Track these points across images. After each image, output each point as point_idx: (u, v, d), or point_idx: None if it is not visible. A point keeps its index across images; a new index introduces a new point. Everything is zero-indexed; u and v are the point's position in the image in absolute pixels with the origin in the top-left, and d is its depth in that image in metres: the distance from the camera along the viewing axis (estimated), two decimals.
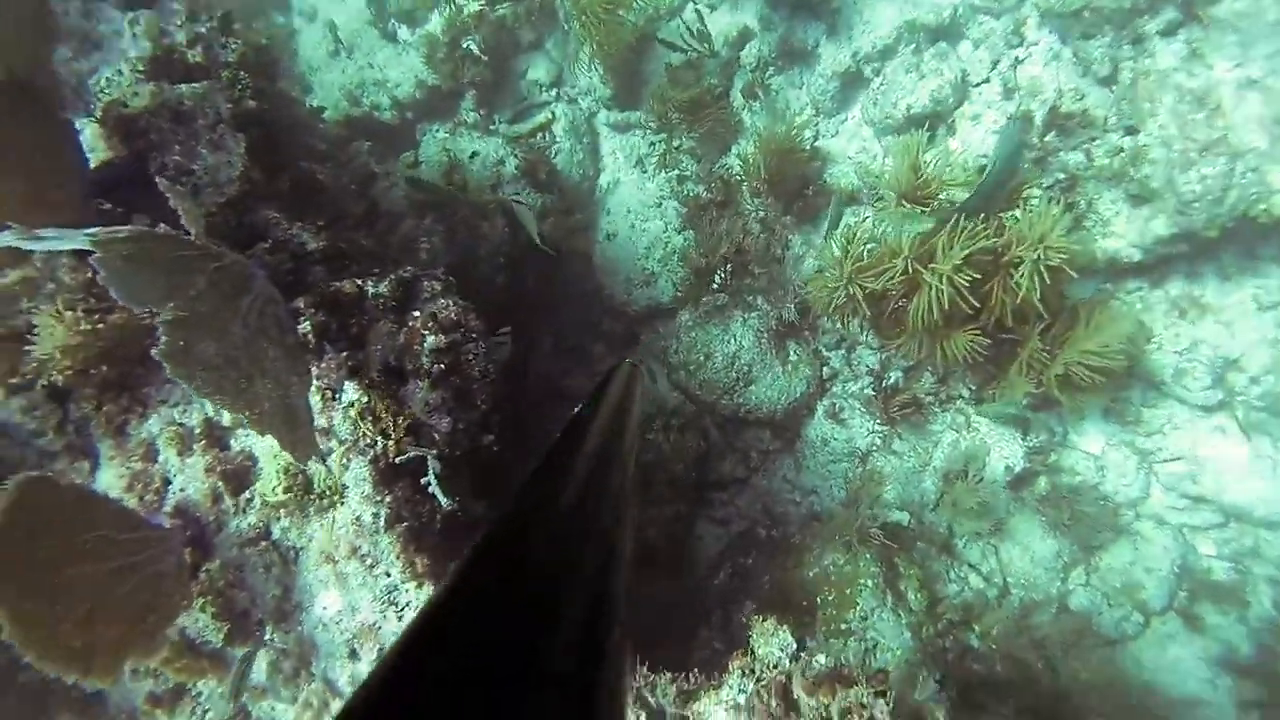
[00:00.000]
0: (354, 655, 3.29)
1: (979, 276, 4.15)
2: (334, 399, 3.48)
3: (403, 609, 3.23)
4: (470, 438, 3.73)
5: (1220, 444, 4.81)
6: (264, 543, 3.48)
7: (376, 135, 6.87)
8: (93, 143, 3.77)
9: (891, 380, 5.33)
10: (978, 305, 4.28)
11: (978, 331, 4.42)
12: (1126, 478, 4.92)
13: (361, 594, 3.29)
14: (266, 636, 3.44)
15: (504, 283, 6.24)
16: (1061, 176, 4.87)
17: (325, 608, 3.37)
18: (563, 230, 6.44)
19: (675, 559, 6.29)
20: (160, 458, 3.60)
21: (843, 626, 4.72)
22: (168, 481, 3.57)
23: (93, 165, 3.75)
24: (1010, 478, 4.98)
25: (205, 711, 3.47)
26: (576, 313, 7.01)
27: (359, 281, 3.79)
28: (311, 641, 3.40)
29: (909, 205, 4.42)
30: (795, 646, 3.45)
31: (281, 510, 3.39)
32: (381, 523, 3.28)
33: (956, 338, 4.49)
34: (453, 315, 3.76)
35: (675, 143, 6.26)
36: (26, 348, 3.36)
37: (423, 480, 3.42)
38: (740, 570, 5.59)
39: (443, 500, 3.34)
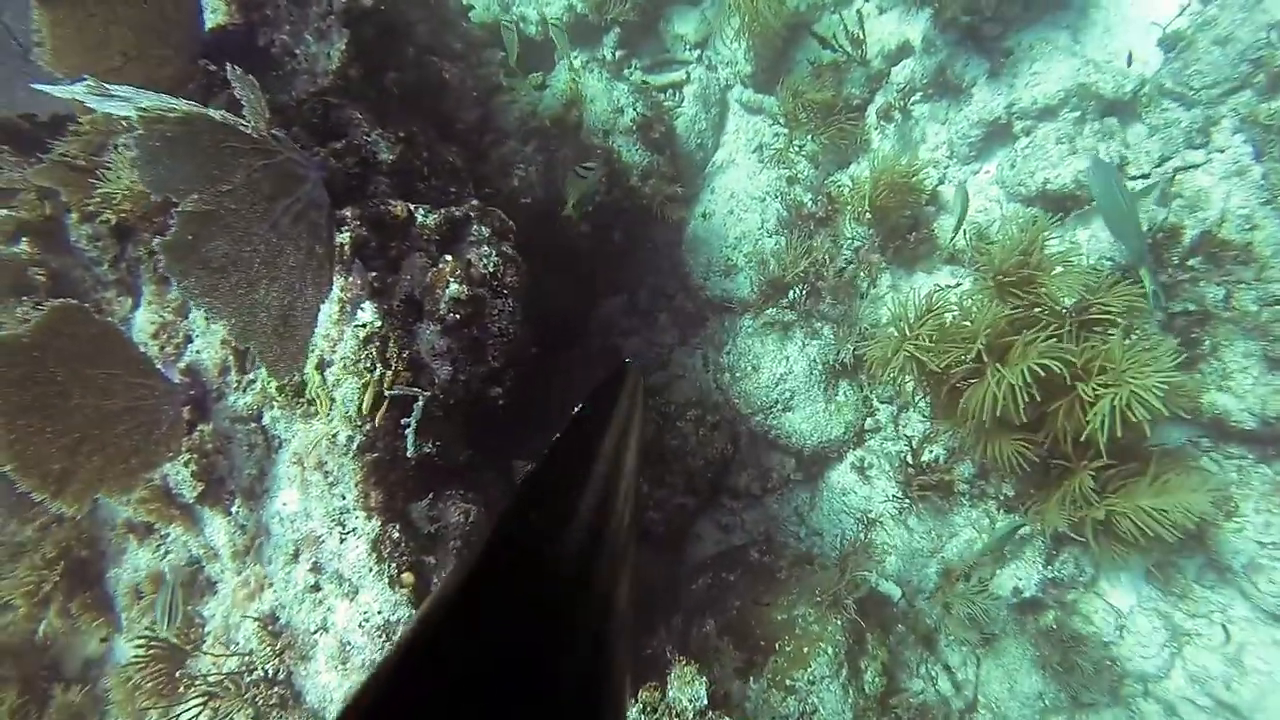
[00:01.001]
0: (295, 557, 3.39)
1: (1040, 398, 3.73)
2: (350, 315, 3.51)
3: (348, 533, 3.28)
4: (471, 390, 3.70)
5: (1277, 660, 4.24)
6: (254, 424, 3.59)
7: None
8: (214, 4, 3.84)
9: (930, 455, 4.96)
10: (1036, 419, 3.87)
11: (1028, 445, 4.01)
12: (1148, 649, 4.44)
13: (316, 505, 3.36)
14: (233, 508, 3.59)
15: (588, 231, 6.12)
16: (1191, 308, 4.29)
17: (285, 504, 3.47)
18: (661, 195, 6.22)
19: (669, 547, 6.23)
20: (190, 316, 3.75)
21: (788, 682, 4.55)
22: (189, 339, 3.72)
23: (208, 26, 3.82)
24: (1016, 599, 4.60)
25: (167, 553, 3.68)
26: (654, 279, 6.86)
27: (411, 206, 3.76)
28: (266, 528, 3.53)
29: (1000, 287, 3.99)
30: (705, 703, 3.33)
31: (275, 401, 3.48)
32: (353, 447, 3.32)
33: (1005, 442, 4.10)
34: (486, 269, 3.69)
35: (797, 142, 5.89)
36: (94, 182, 3.51)
37: (404, 420, 3.43)
38: (720, 584, 5.46)
39: (409, 447, 3.33)
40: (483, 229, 3.93)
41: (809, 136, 5.78)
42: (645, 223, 6.48)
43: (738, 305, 5.93)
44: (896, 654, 4.79)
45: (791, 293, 5.51)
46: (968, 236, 4.94)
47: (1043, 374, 3.67)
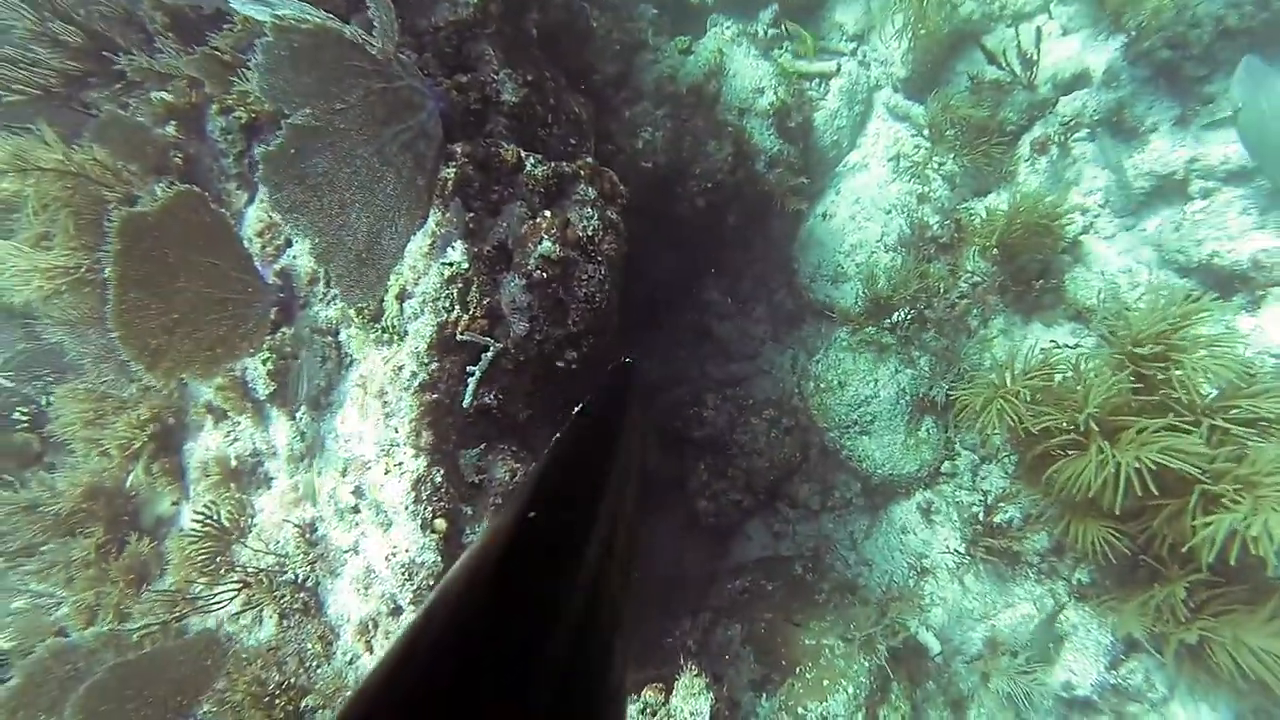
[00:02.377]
0: (343, 475, 3.37)
1: (1143, 490, 3.25)
2: (439, 251, 3.40)
3: (394, 466, 3.23)
4: (545, 351, 3.55)
5: None
6: (330, 338, 3.58)
7: (668, 6, 6.44)
8: None
9: (1004, 516, 4.51)
10: (1136, 509, 3.40)
11: (1118, 534, 3.54)
12: None
13: (370, 431, 3.32)
14: (298, 414, 3.61)
15: (703, 207, 5.84)
16: None
17: (343, 422, 3.45)
18: (786, 186, 5.85)
19: (715, 539, 6.02)
20: None
21: (800, 710, 4.29)
22: (289, 244, 3.72)
23: None
24: (1066, 695, 4.14)
25: (235, 439, 3.75)
26: (760, 269, 6.53)
27: (523, 153, 3.60)
28: (322, 442, 3.53)
29: (1131, 359, 3.48)
30: (708, 718, 3.14)
31: (353, 322, 3.44)
32: (415, 383, 3.24)
33: (1093, 525, 3.63)
34: (584, 231, 3.50)
35: (938, 158, 5.38)
36: (234, 79, 3.52)
37: (470, 367, 3.32)
38: (757, 591, 5.21)
39: (467, 396, 3.22)
40: (589, 189, 3.74)
41: (951, 155, 5.26)
42: (762, 211, 6.14)
43: (838, 315, 5.54)
44: (920, 711, 4.44)
45: (896, 315, 5.08)
46: (1101, 296, 4.38)
47: (1156, 468, 3.19)
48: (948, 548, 4.72)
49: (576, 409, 1.11)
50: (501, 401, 3.50)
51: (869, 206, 5.81)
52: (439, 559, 3.07)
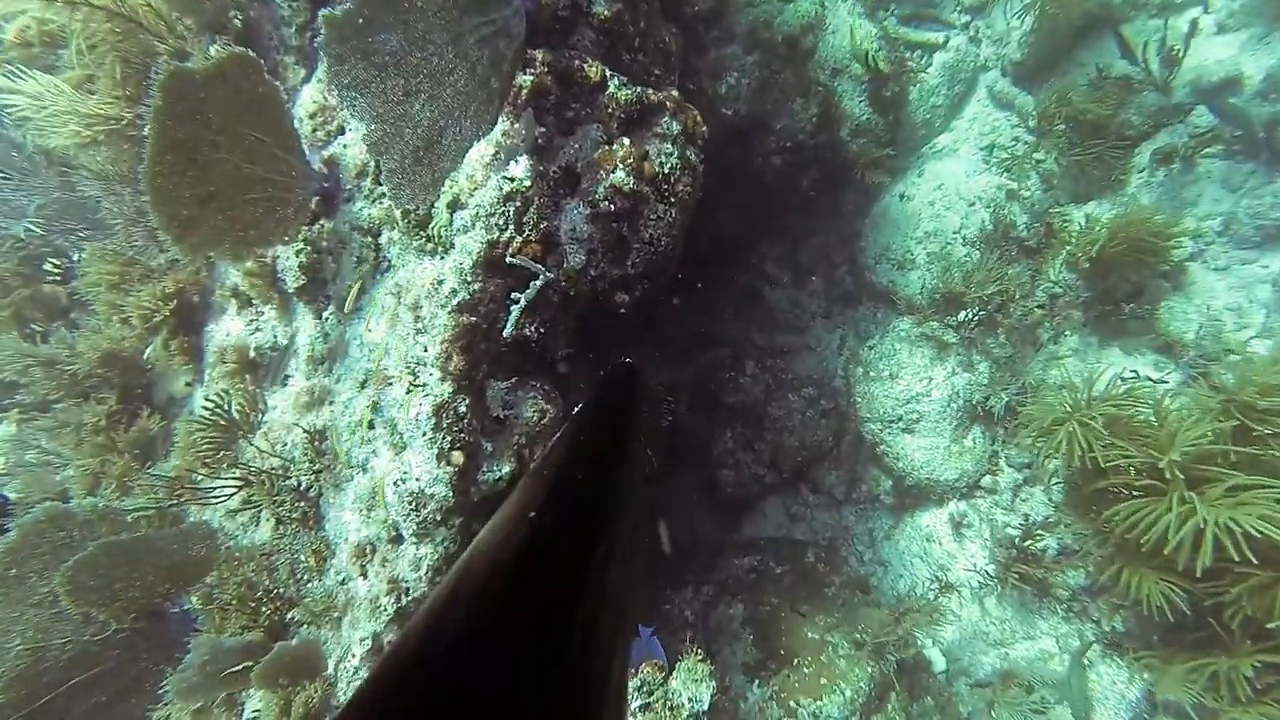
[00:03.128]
0: (362, 386, 3.10)
1: (1241, 561, 2.89)
2: (501, 163, 3.05)
3: (418, 386, 2.94)
4: (597, 289, 3.21)
5: None
6: (370, 239, 3.27)
7: None
8: None
9: (1041, 545, 4.17)
10: (1212, 573, 3.05)
11: (1180, 589, 3.20)
12: None
13: (397, 345, 3.03)
14: (325, 313, 3.33)
15: (778, 166, 5.41)
16: None
17: (369, 330, 3.16)
18: (868, 157, 5.39)
19: (730, 510, 5.76)
20: None
21: (792, 703, 4.06)
22: (342, 131, 3.39)
23: None
24: None
25: (257, 330, 3.49)
26: (824, 240, 6.10)
27: (608, 72, 3.21)
28: (345, 347, 3.25)
29: (1240, 413, 3.08)
30: (705, 709, 2.89)
31: (397, 224, 3.12)
32: (454, 301, 2.92)
33: (1150, 579, 3.29)
34: (660, 168, 3.13)
35: (1038, 155, 4.88)
36: None
37: (514, 295, 3.00)
38: (765, 572, 4.96)
39: (509, 325, 2.91)
40: (673, 124, 3.34)
41: (1055, 153, 4.77)
42: (838, 181, 5.69)
43: (901, 302, 5.14)
44: None
45: (964, 313, 4.67)
46: (1200, 332, 3.94)
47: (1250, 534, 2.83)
48: (974, 566, 4.41)
49: (577, 408, 1.13)
50: (542, 335, 3.18)
51: (952, 194, 5.33)
52: (450, 494, 2.81)
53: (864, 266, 5.63)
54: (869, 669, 4.03)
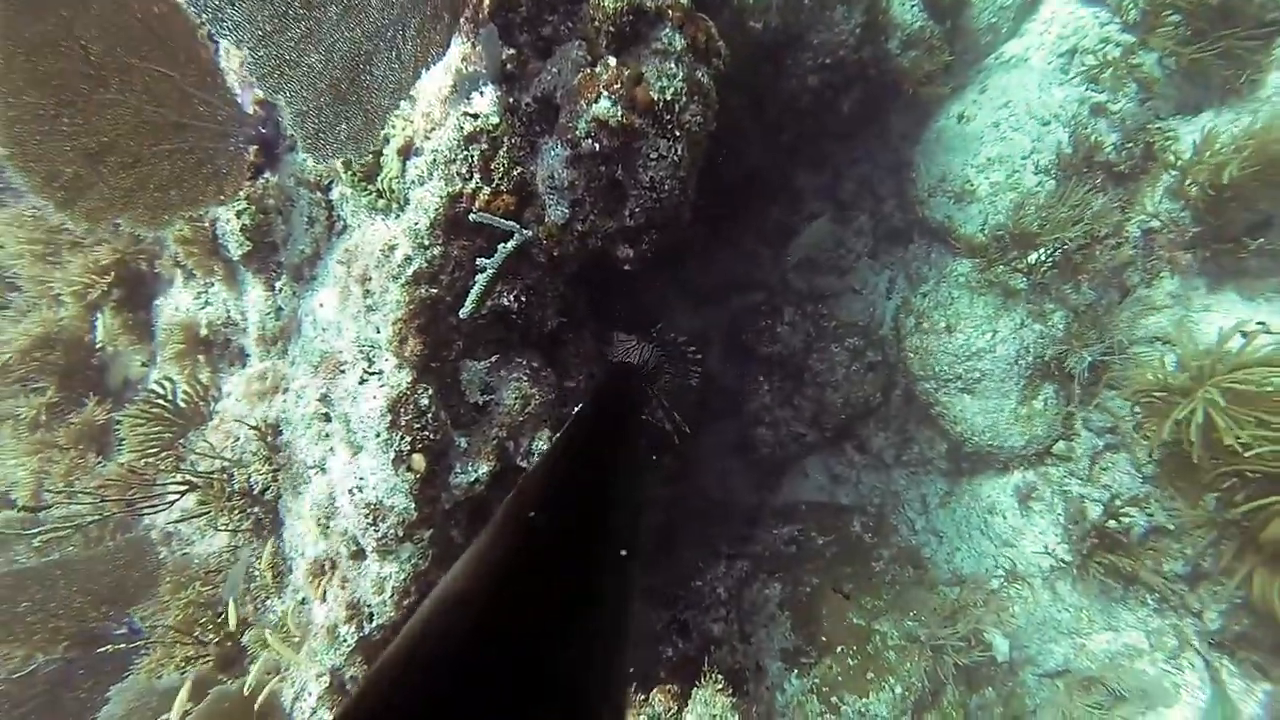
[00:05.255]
0: (314, 371, 2.51)
1: None
2: (462, 96, 2.35)
3: (371, 374, 2.34)
4: (588, 245, 2.53)
5: None
6: (320, 194, 2.63)
7: None
8: None
9: (1126, 524, 3.43)
10: None
11: None
12: None
13: (349, 324, 2.42)
14: (277, 284, 2.74)
15: (814, 86, 4.51)
16: None
17: (322, 305, 2.56)
18: (921, 71, 4.46)
19: (767, 470, 5.13)
20: None
21: (834, 699, 3.50)
22: None
23: None
24: None
25: (207, 304, 2.92)
26: (868, 170, 5.21)
27: None
28: (298, 324, 2.66)
29: None
30: None
31: (341, 179, 2.47)
32: (408, 271, 2.29)
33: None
34: (661, 95, 2.37)
35: (1134, 58, 3.89)
36: None
37: (480, 261, 2.34)
38: (805, 544, 4.35)
39: (467, 305, 2.27)
40: (677, 38, 2.55)
41: (1160, 53, 3.78)
42: (884, 101, 4.76)
43: (959, 242, 4.30)
44: None
45: (1035, 255, 3.82)
46: None
47: None
48: (1045, 547, 3.70)
49: (577, 409, 1.15)
50: (524, 305, 2.53)
51: (1021, 113, 4.38)
52: (412, 505, 2.23)
53: (915, 200, 4.76)
54: (920, 663, 3.43)
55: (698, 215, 3.30)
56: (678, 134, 2.49)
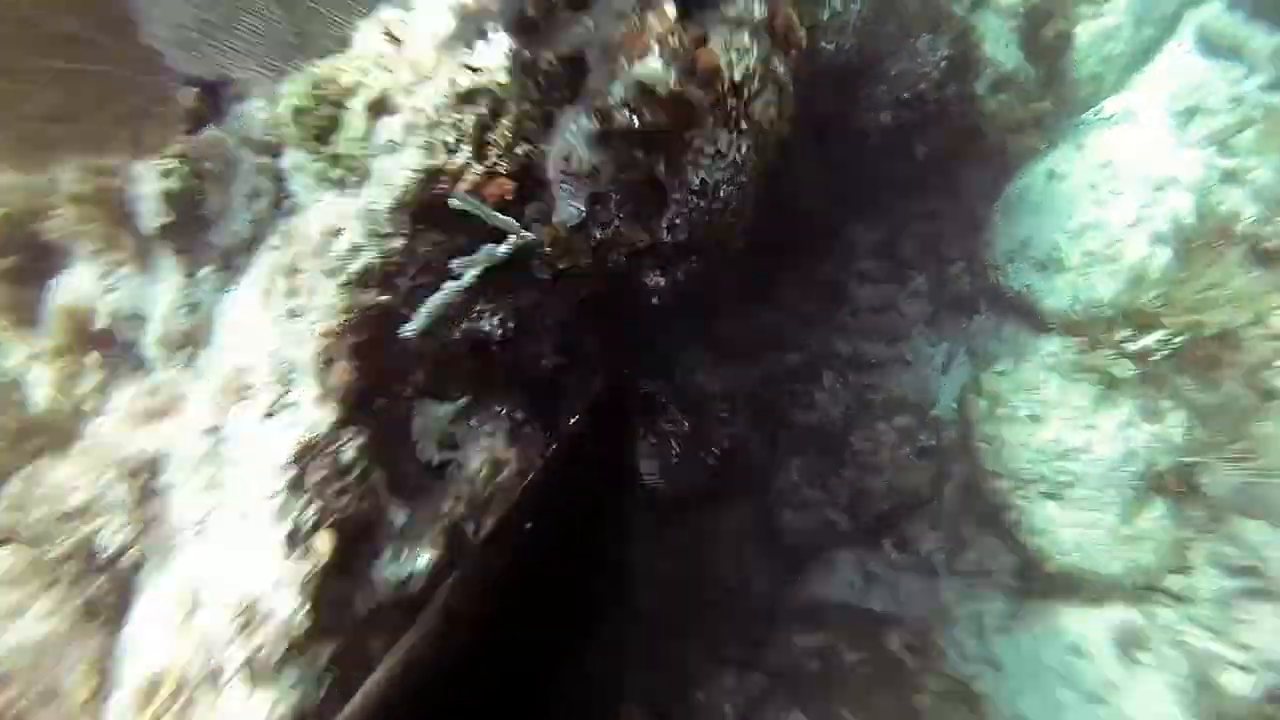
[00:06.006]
0: (217, 393, 1.78)
1: None
2: (462, 42, 1.67)
3: (280, 407, 1.61)
4: (603, 257, 1.81)
5: None
6: (269, 159, 1.95)
7: None
8: None
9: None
10: None
11: None
12: None
13: (266, 335, 1.70)
14: (200, 272, 2.04)
15: (888, 125, 3.87)
16: None
17: (240, 306, 1.85)
18: (1011, 120, 3.81)
19: (787, 556, 4.27)
20: None
21: None
22: None
23: None
24: None
25: (110, 290, 2.21)
26: (935, 226, 4.50)
27: None
28: (212, 326, 1.95)
29: None
30: None
31: (287, 132, 1.78)
32: (353, 266, 1.58)
33: None
34: (731, 69, 1.68)
35: (1270, 122, 3.22)
36: None
37: (455, 263, 1.63)
38: (834, 661, 3.52)
39: (419, 316, 1.55)
40: (755, 6, 1.87)
41: None
42: (961, 149, 4.10)
43: (1044, 318, 3.57)
44: None
45: (1148, 338, 3.07)
46: None
47: None
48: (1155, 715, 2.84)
49: (571, 420, 1.13)
50: (512, 333, 1.81)
51: (1126, 174, 3.69)
52: (306, 608, 1.47)
53: (989, 264, 4.06)
54: None
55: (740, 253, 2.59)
56: (744, 127, 1.80)
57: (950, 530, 3.88)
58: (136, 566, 1.77)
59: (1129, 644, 2.99)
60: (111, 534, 1.76)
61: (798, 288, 4.69)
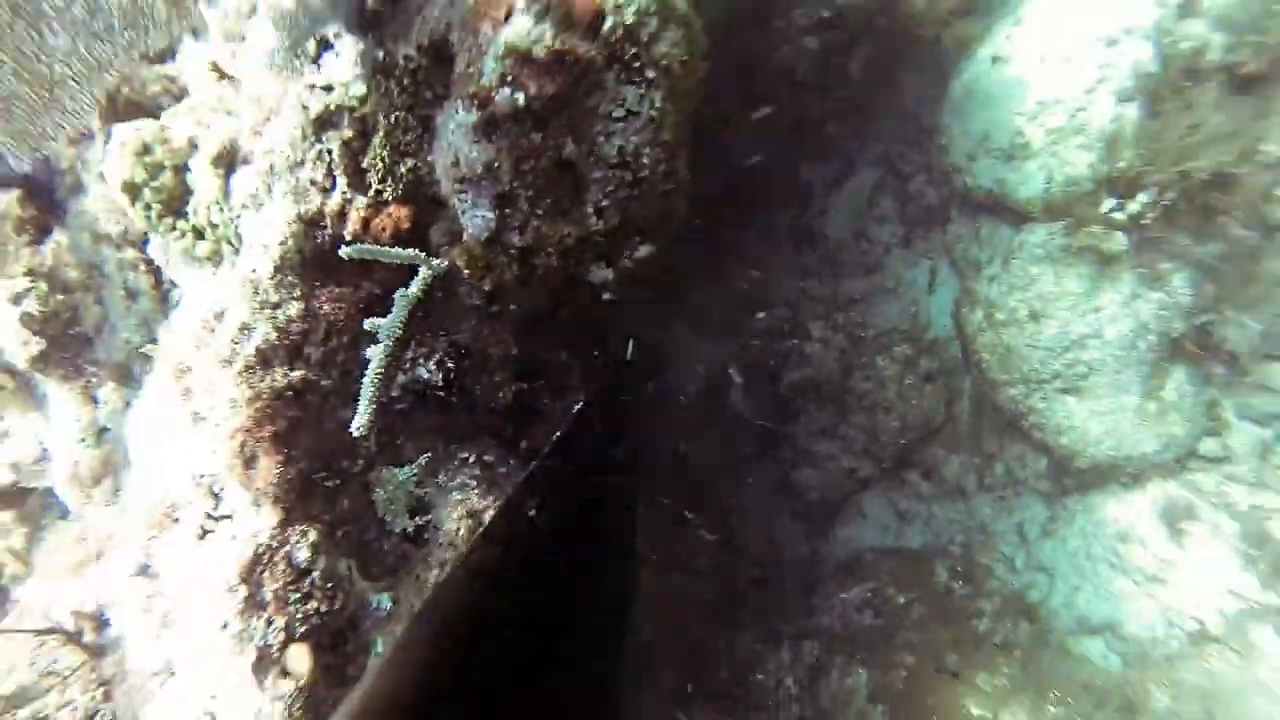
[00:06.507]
0: (147, 523, 1.56)
1: None
2: (305, 58, 1.42)
3: (221, 517, 1.39)
4: (532, 267, 1.58)
5: None
6: (134, 251, 1.70)
7: None
8: None
9: None
10: None
11: None
12: None
13: (183, 444, 1.47)
14: (98, 394, 1.80)
15: (814, 50, 3.60)
16: None
17: (148, 420, 1.62)
18: (942, 11, 3.55)
19: (816, 517, 4.10)
20: None
21: None
22: None
23: None
24: None
25: (6, 431, 1.97)
26: (888, 145, 4.27)
27: None
28: (121, 445, 1.72)
29: None
30: None
31: (140, 214, 1.53)
32: (247, 349, 1.35)
33: None
34: (619, 16, 1.44)
35: None
36: None
37: (367, 324, 1.39)
38: (884, 606, 3.35)
39: (360, 413, 1.33)
40: None
41: None
42: (899, 57, 3.86)
43: (1019, 207, 3.34)
44: None
45: (1135, 201, 2.86)
46: None
47: None
48: (1224, 584, 2.68)
49: (577, 408, 1.08)
50: (456, 373, 1.58)
51: (1074, 37, 3.44)
52: None
53: (952, 168, 3.82)
54: None
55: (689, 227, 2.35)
56: (651, 75, 1.55)
57: (972, 449, 3.70)
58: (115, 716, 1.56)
59: (1176, 518, 2.83)
60: (79, 696, 1.54)
61: (763, 240, 4.46)
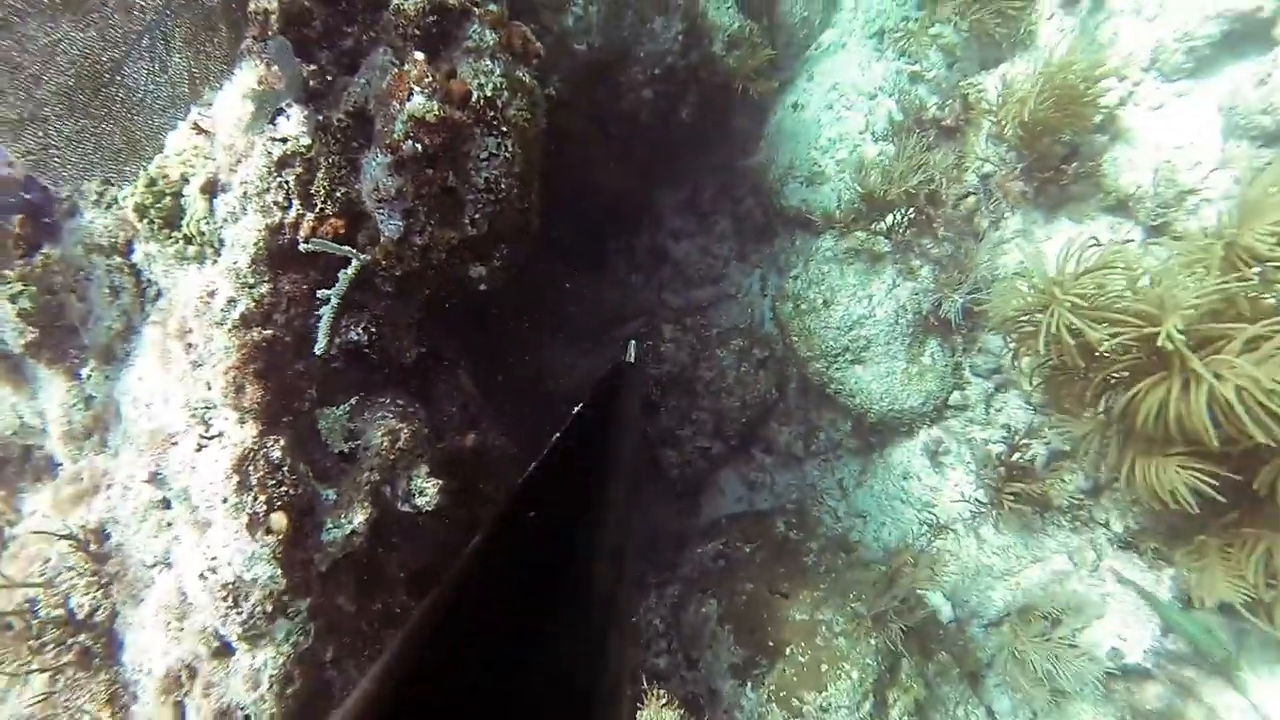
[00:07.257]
0: (141, 453, 2.26)
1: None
2: (263, 121, 2.25)
3: (210, 438, 2.13)
4: (432, 260, 2.44)
5: None
6: (119, 259, 2.42)
7: None
8: None
9: (1029, 455, 3.64)
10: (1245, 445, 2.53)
11: (1207, 476, 2.66)
12: None
13: (176, 389, 2.20)
14: (83, 371, 2.47)
15: (650, 99, 4.69)
16: None
17: (140, 378, 2.33)
18: (748, 68, 4.73)
19: (683, 494, 5.09)
20: None
21: (794, 701, 3.43)
22: None
23: None
24: (1114, 663, 3.34)
25: None
26: (722, 174, 5.44)
27: None
28: (115, 407, 2.41)
29: (1241, 258, 2.56)
30: None
31: (137, 230, 2.28)
32: (235, 313, 2.12)
33: (1168, 465, 2.75)
34: (481, 90, 2.37)
35: (933, 29, 4.32)
36: None
37: (321, 293, 2.21)
38: (733, 555, 4.30)
39: (320, 343, 2.13)
40: (488, 34, 2.56)
41: (951, 23, 4.21)
42: (722, 103, 5.03)
43: (819, 221, 4.52)
44: (934, 689, 3.63)
45: (891, 216, 4.08)
46: (1158, 177, 3.44)
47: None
48: (962, 495, 3.85)
49: (576, 409, 1.10)
50: (376, 337, 2.41)
51: (849, 92, 4.75)
52: (278, 572, 2.02)
53: (770, 192, 5.01)
54: (872, 641, 3.43)
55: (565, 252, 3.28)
56: (505, 129, 2.49)
57: (800, 420, 4.80)
58: (113, 614, 2.22)
59: (936, 454, 3.99)
60: (80, 598, 2.19)
61: (624, 257, 5.52)
